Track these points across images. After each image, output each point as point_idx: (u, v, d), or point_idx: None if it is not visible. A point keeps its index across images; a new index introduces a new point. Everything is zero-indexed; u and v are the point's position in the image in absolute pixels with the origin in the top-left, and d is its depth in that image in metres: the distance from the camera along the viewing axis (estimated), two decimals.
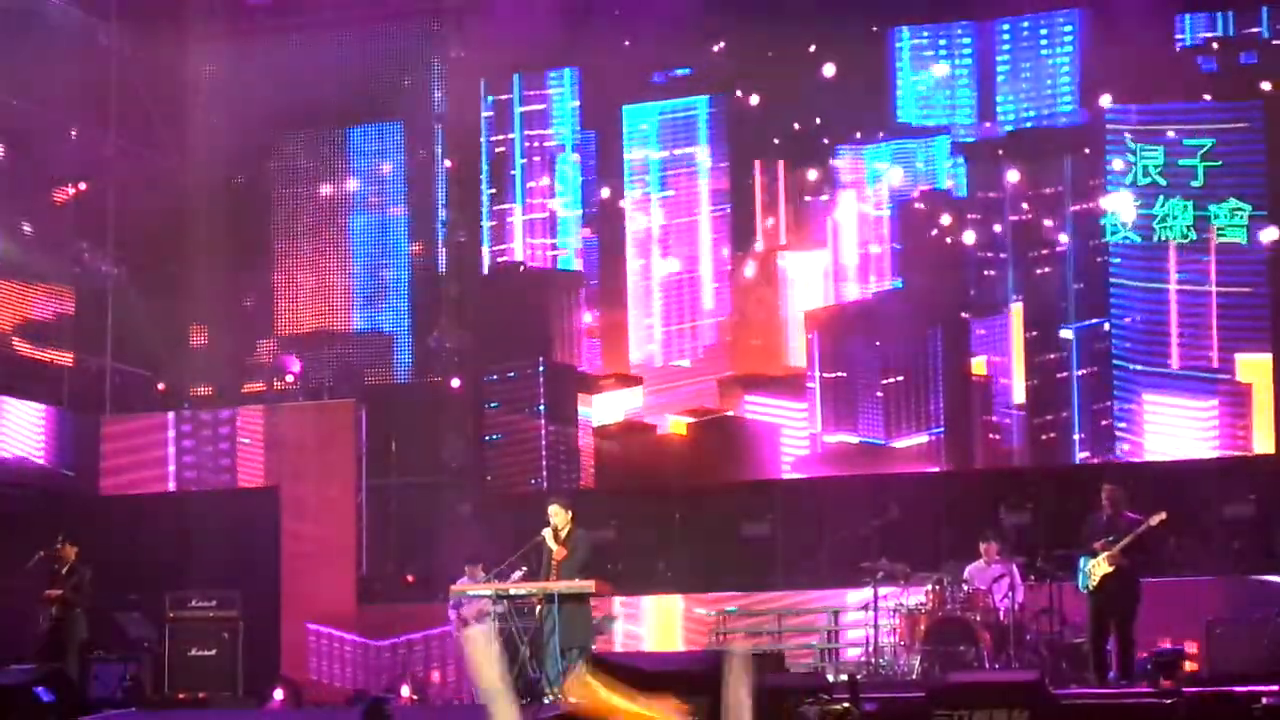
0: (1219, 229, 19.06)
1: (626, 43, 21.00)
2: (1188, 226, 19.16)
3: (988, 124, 20.06)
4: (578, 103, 21.50)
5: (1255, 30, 19.32)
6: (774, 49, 20.54)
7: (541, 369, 21.09)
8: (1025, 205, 19.82)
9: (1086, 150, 19.70)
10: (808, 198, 20.64)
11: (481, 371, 21.45)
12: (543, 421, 20.97)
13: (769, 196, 20.76)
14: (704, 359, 20.82)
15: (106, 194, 21.61)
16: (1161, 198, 19.27)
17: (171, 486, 20.93)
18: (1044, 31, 20.02)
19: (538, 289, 21.39)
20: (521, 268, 21.47)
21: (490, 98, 21.80)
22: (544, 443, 20.95)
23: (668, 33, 20.33)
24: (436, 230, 22.17)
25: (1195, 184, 19.18)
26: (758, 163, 20.77)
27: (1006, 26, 20.14)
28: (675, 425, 20.71)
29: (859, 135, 20.47)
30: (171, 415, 21.21)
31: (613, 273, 21.19)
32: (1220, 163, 19.11)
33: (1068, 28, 19.92)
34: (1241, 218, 19.01)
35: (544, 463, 20.91)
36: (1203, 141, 19.16)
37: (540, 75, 21.68)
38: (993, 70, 20.11)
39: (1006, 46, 20.11)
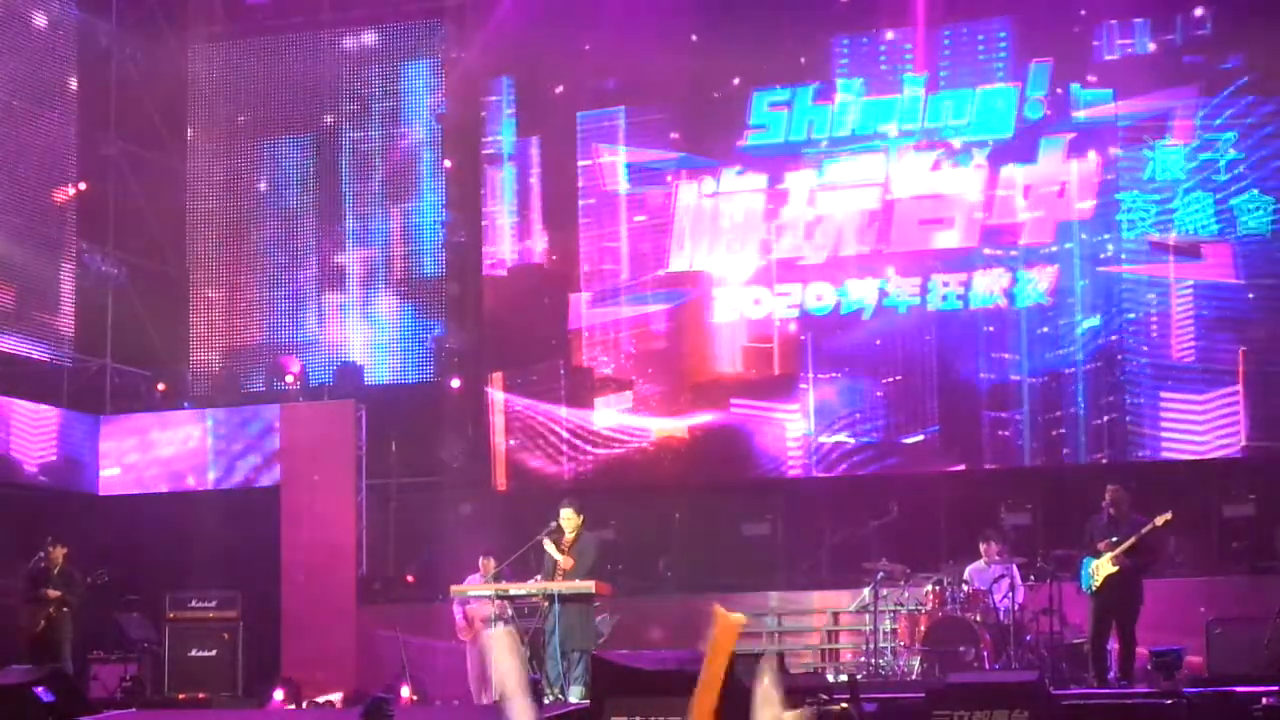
0: (1241, 222, 19.03)
1: (587, 47, 21.01)
2: (1209, 219, 19.12)
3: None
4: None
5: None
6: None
7: (563, 371, 21.09)
8: (1028, 202, 19.77)
9: (1079, 142, 19.68)
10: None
11: (483, 371, 21.44)
12: (563, 423, 20.95)
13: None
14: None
15: (106, 194, 21.62)
16: (1181, 191, 19.24)
17: (179, 487, 20.99)
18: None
19: (550, 290, 21.38)
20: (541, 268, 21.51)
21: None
22: (564, 444, 20.93)
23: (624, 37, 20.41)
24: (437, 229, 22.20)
25: (1218, 178, 19.16)
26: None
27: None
28: (673, 427, 20.68)
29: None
30: (205, 416, 21.27)
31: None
32: (1243, 155, 19.09)
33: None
34: (1265, 211, 18.98)
35: (565, 463, 20.88)
36: (1226, 135, 19.13)
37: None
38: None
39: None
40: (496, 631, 9.50)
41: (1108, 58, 19.66)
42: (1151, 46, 19.54)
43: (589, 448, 20.84)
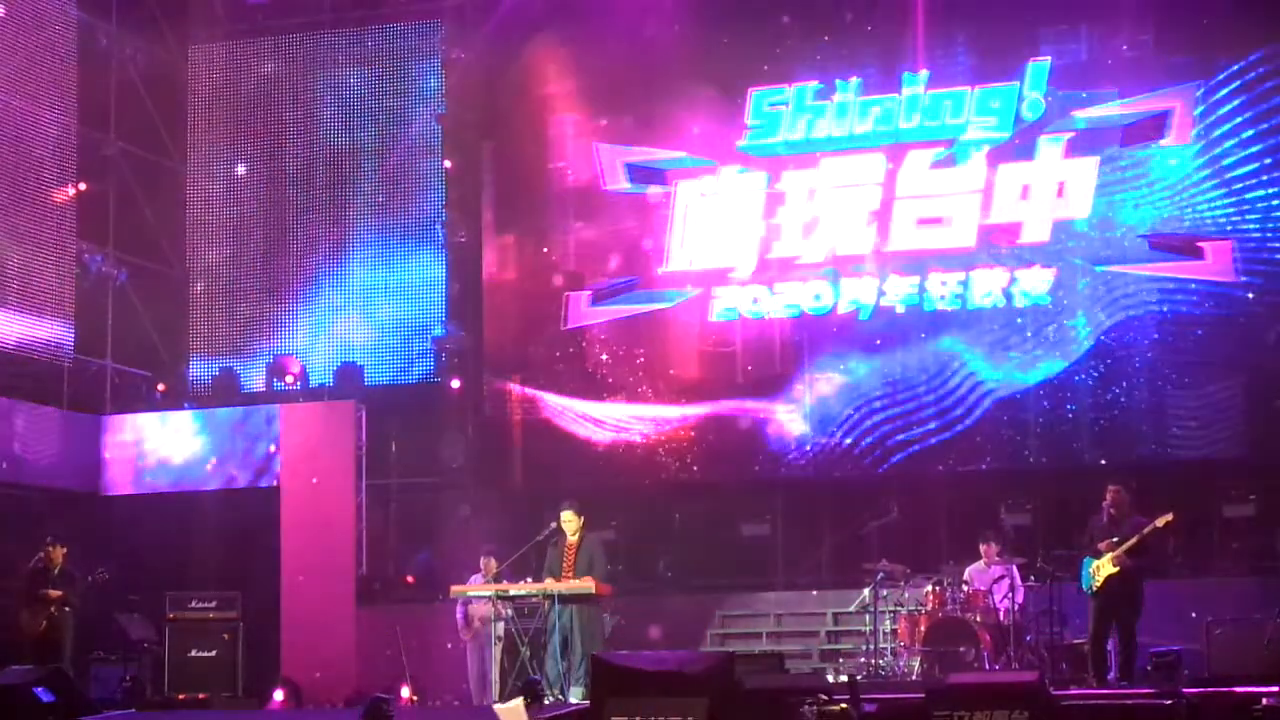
0: (1241, 219, 19.04)
1: (589, 45, 21.05)
2: (1208, 217, 19.12)
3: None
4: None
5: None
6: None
7: (563, 370, 21.09)
8: (1027, 201, 19.74)
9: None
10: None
11: (482, 371, 21.48)
12: (580, 422, 20.96)
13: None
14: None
15: (106, 194, 21.62)
16: (1180, 190, 19.23)
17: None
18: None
19: (550, 290, 21.42)
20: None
21: None
22: (581, 442, 20.92)
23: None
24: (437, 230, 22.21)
25: (1216, 176, 19.16)
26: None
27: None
28: (671, 427, 20.66)
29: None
30: (205, 416, 21.30)
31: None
32: (1240, 152, 19.08)
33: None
34: (1264, 207, 19.00)
35: (584, 462, 20.84)
36: (1222, 132, 19.13)
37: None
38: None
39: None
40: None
41: (1105, 57, 19.68)
42: (1148, 45, 19.52)
43: (601, 433, 20.81)
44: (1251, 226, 19.05)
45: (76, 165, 21.02)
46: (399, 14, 22.60)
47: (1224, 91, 19.16)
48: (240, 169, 22.72)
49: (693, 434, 20.58)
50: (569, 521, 15.44)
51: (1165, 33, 19.51)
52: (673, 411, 20.67)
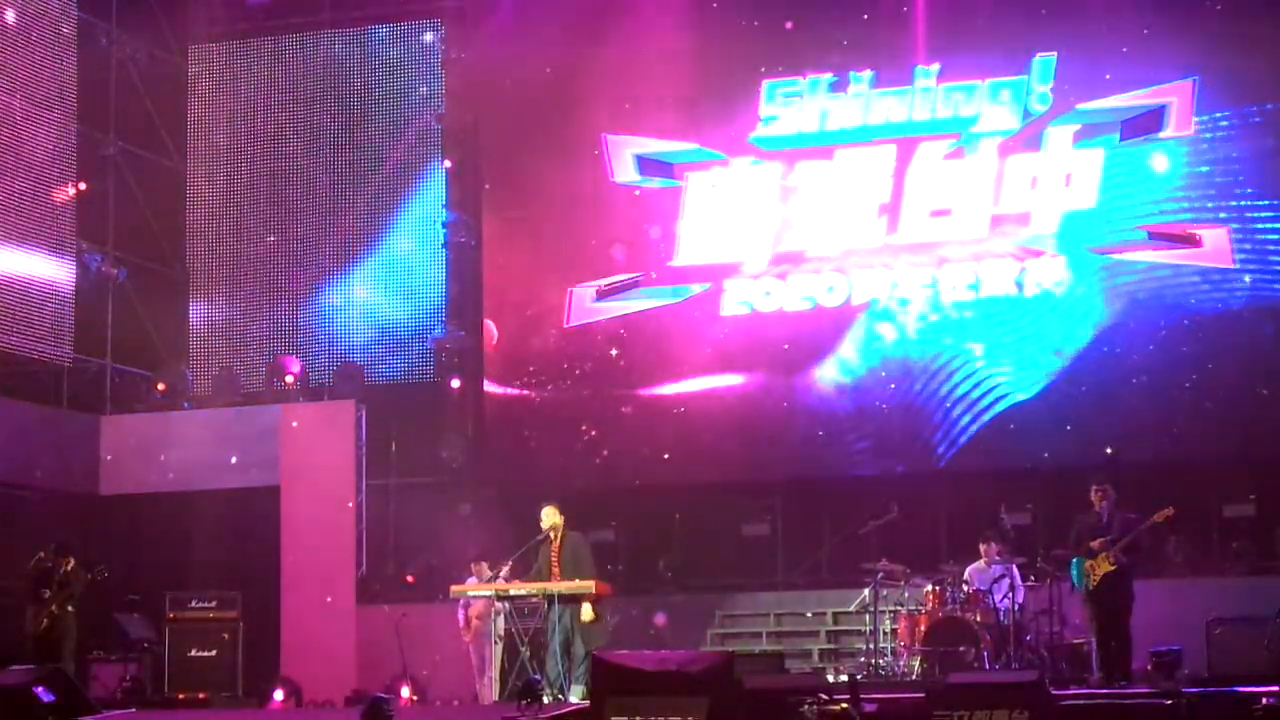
0: (1240, 210, 19.06)
1: (597, 37, 21.03)
2: (1208, 208, 19.13)
3: (945, 117, 20.07)
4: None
5: None
6: (733, 46, 20.67)
7: (568, 369, 21.10)
8: (1035, 191, 19.75)
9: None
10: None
11: (481, 371, 21.48)
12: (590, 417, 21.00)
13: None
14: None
15: (106, 194, 21.62)
16: (1181, 180, 19.24)
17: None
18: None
19: (554, 286, 21.43)
20: None
21: None
22: (581, 440, 20.92)
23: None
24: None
25: (1217, 167, 19.17)
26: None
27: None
28: (675, 424, 20.65)
29: (815, 134, 20.50)
30: (205, 416, 21.33)
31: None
32: (1239, 147, 19.09)
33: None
34: (1260, 200, 19.02)
35: (596, 459, 20.84)
36: (1222, 126, 19.15)
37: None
38: (946, 67, 20.12)
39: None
40: None
41: (1108, 51, 19.68)
42: (1148, 40, 19.53)
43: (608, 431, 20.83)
44: (1250, 215, 19.04)
45: (76, 165, 21.02)
46: (399, 14, 22.62)
47: (1221, 85, 19.17)
48: (262, 185, 22.64)
49: (695, 430, 20.53)
50: (548, 516, 15.40)
51: (1164, 27, 19.49)
52: (674, 407, 20.64)
